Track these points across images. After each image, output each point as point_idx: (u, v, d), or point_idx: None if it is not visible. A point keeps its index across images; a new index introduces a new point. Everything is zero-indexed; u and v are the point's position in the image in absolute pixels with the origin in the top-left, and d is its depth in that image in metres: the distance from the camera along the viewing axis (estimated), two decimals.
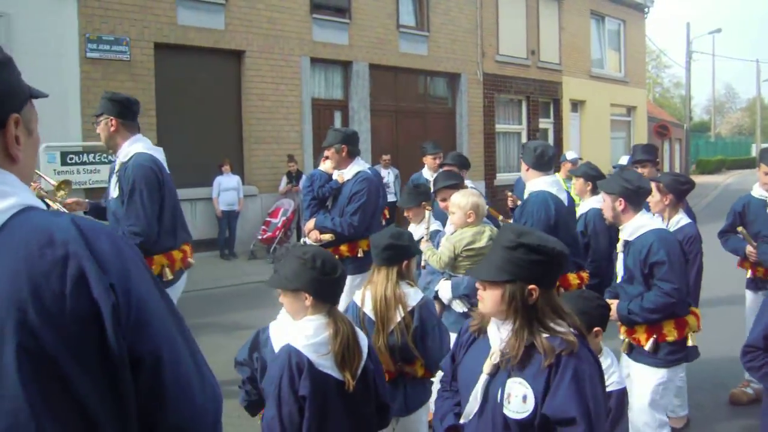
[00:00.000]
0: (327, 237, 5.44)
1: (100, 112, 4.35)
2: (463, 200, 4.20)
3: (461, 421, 2.43)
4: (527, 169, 4.79)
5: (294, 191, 12.37)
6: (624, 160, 8.69)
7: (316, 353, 2.64)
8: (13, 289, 1.18)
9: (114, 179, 4.39)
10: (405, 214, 5.11)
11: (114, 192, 4.36)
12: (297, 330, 2.71)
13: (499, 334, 2.31)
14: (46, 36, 10.31)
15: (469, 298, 3.99)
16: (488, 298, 2.29)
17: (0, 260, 1.21)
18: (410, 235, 3.62)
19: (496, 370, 2.28)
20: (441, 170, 6.35)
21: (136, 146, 4.33)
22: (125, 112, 4.35)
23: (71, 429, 1.20)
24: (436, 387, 4.05)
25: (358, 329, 2.84)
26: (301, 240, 11.55)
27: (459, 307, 4.14)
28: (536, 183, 4.72)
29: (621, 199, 3.86)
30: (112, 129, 4.32)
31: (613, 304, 3.75)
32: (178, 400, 1.30)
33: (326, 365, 2.64)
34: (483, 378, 2.31)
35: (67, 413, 1.20)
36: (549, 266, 2.24)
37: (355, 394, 2.69)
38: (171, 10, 11.67)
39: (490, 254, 2.36)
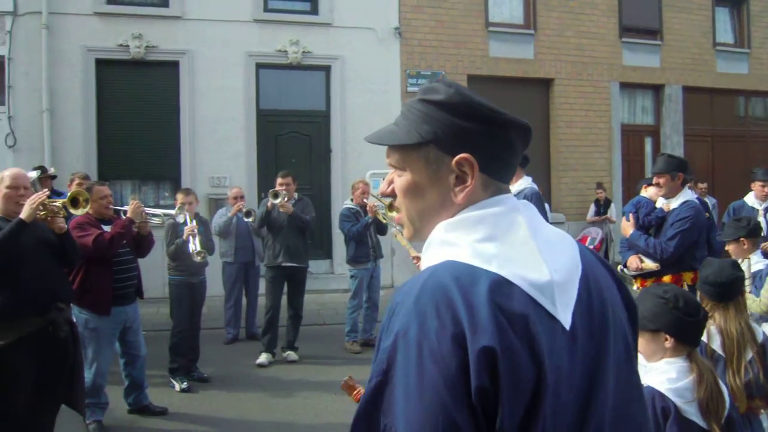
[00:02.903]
0: (650, 266, 5.06)
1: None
2: None
3: None
4: None
5: (602, 220, 11.96)
6: None
7: (681, 398, 2.47)
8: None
9: None
10: (726, 248, 4.62)
11: None
12: (658, 372, 2.56)
13: None
14: (373, 74, 11.22)
15: None
16: None
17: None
18: None
19: None
20: None
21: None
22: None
23: None
24: None
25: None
26: (618, 269, 11.11)
27: None
28: None
29: None
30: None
31: None
32: None
33: (691, 412, 2.47)
34: None
35: None
36: None
37: None
38: (483, 43, 12.06)
39: None
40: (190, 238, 6.38)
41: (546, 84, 12.68)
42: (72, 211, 4.61)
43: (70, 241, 4.50)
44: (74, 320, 4.81)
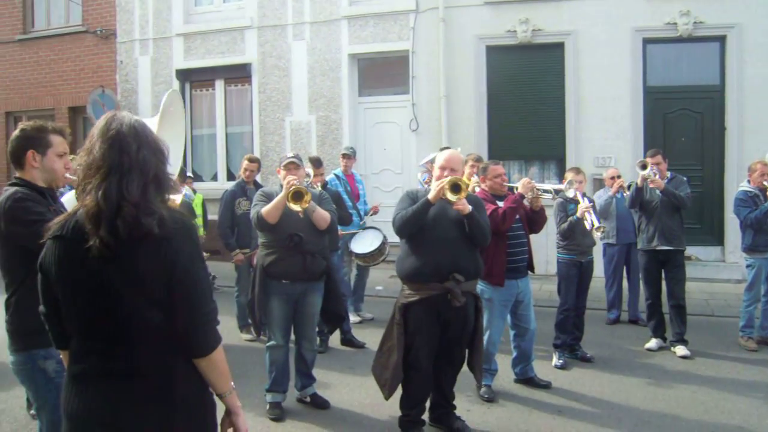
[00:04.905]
0: None
1: None
2: None
3: None
4: None
5: None
6: None
7: None
8: None
9: None
10: None
11: None
12: None
13: None
14: None
15: None
16: None
17: None
18: None
19: None
20: None
21: None
22: None
23: None
24: None
25: None
26: None
27: None
28: None
29: None
30: None
31: None
32: None
33: None
34: None
35: None
36: None
37: None
38: None
39: None
40: (586, 214, 6.33)
41: None
42: (453, 197, 4.64)
43: (471, 220, 4.69)
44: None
